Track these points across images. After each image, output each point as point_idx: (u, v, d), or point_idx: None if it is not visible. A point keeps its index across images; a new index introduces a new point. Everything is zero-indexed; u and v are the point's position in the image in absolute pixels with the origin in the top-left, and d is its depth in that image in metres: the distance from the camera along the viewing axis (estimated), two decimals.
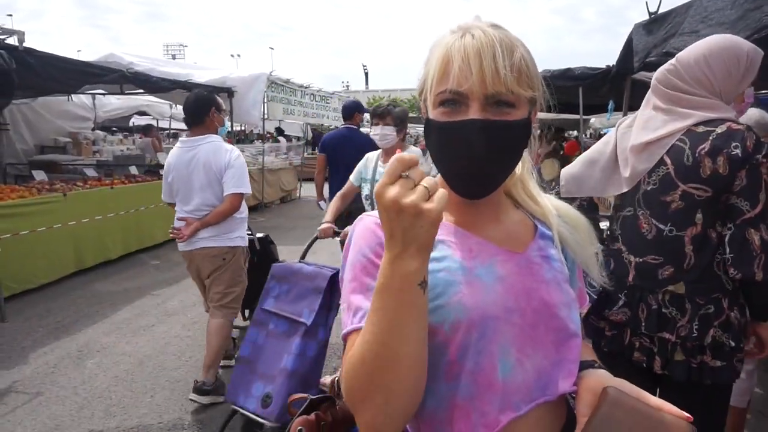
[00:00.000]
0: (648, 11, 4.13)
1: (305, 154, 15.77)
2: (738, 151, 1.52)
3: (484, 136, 0.81)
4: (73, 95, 9.98)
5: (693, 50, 1.68)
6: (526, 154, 0.98)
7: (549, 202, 1.02)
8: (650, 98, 1.77)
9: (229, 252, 3.45)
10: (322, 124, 17.44)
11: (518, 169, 1.02)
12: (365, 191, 3.53)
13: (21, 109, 9.22)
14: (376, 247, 0.86)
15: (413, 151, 3.42)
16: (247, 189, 3.41)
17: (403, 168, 0.66)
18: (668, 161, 1.65)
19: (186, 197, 3.38)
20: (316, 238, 3.19)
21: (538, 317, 0.88)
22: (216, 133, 3.47)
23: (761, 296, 1.61)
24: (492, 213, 0.96)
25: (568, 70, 6.72)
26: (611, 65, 5.66)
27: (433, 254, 0.83)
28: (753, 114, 2.64)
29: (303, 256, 3.04)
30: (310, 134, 20.03)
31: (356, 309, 0.83)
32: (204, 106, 3.35)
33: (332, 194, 4.82)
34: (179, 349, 4.21)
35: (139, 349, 4.21)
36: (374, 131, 3.46)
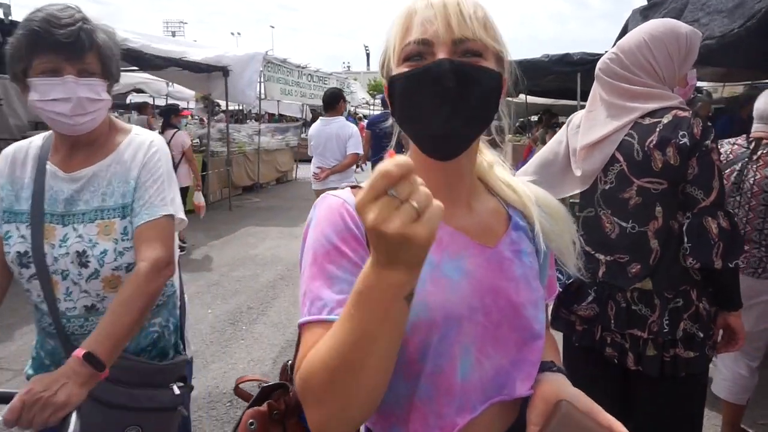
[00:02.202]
0: None
1: (302, 135, 15.66)
2: (686, 140, 1.50)
3: (454, 76, 0.75)
4: None
5: (633, 36, 1.65)
6: (493, 149, 0.94)
7: (528, 189, 0.97)
8: (595, 91, 1.74)
9: None
10: (321, 106, 17.28)
11: (491, 155, 0.98)
12: (14, 245, 1.38)
13: (14, 85, 9.11)
14: (343, 232, 0.80)
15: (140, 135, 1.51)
16: (361, 151, 5.36)
17: (387, 184, 0.55)
18: (620, 158, 1.62)
19: (322, 154, 5.36)
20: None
21: (503, 317, 0.84)
22: (342, 115, 5.45)
23: (726, 285, 1.59)
24: (464, 199, 0.91)
25: (567, 55, 6.67)
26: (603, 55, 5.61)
27: None
28: None
29: None
30: (309, 115, 19.90)
31: (314, 298, 0.76)
32: (336, 97, 5.40)
33: (375, 164, 6.55)
34: None
35: None
36: (49, 94, 1.31)
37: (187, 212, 1.68)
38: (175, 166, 5.90)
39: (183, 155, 6.26)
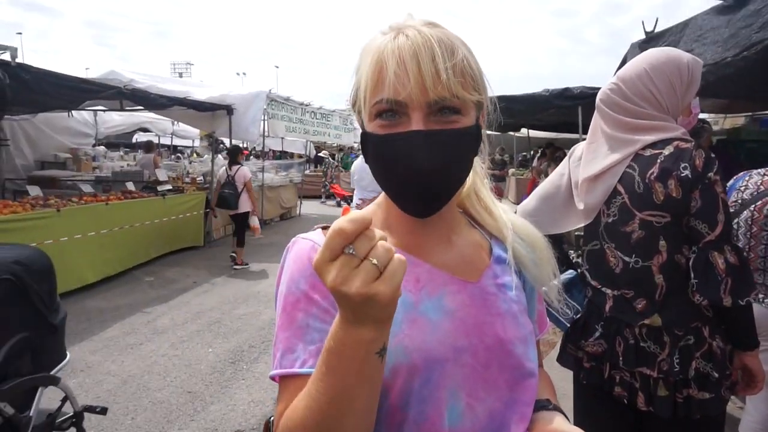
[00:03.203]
0: (644, 30, 4.10)
1: (306, 171, 15.76)
2: (687, 172, 1.46)
3: (429, 149, 0.72)
4: (74, 111, 10.03)
5: (633, 66, 1.63)
6: (478, 161, 0.90)
7: (505, 216, 0.93)
8: (596, 122, 1.71)
9: None
10: (325, 142, 17.50)
11: (470, 179, 0.93)
12: None
13: (22, 125, 9.27)
14: (312, 277, 0.76)
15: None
16: None
17: (343, 242, 0.54)
18: (622, 190, 1.59)
19: (363, 187, 5.96)
20: None
21: (491, 355, 0.79)
22: None
23: (738, 323, 1.51)
24: (443, 233, 0.86)
25: (567, 89, 6.72)
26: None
27: None
28: None
29: None
30: (313, 152, 20.10)
31: (284, 350, 0.74)
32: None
33: None
34: (165, 369, 4.11)
35: (124, 368, 4.11)
36: None
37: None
38: (239, 195, 7.44)
39: (245, 186, 7.61)
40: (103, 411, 2.64)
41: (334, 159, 19.64)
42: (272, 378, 0.75)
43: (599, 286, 1.65)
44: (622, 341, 1.57)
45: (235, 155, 7.89)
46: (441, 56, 0.71)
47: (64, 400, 2.46)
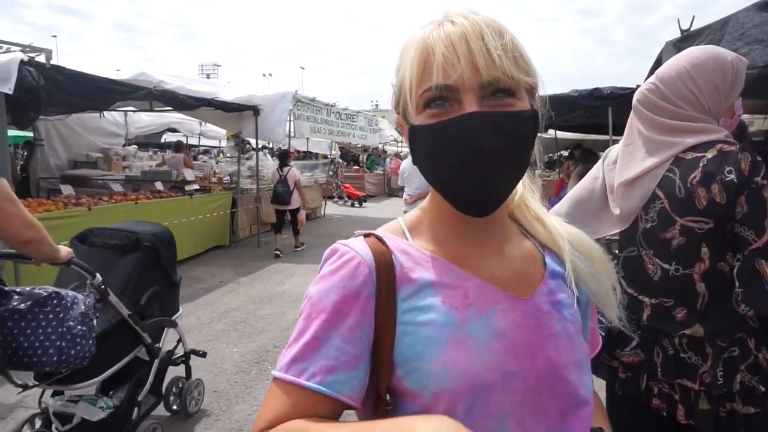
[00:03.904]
0: (680, 29, 3.97)
1: (330, 172, 15.81)
2: (733, 176, 1.38)
3: (487, 130, 0.67)
4: (105, 112, 10.25)
5: (672, 65, 1.55)
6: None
7: (559, 226, 0.87)
8: (632, 123, 1.64)
9: None
10: (350, 143, 17.57)
11: (519, 187, 0.88)
12: None
13: (56, 125, 9.53)
14: (344, 290, 0.72)
15: None
16: None
17: None
18: (661, 195, 1.52)
19: (409, 184, 6.64)
20: None
21: (543, 380, 0.73)
22: None
23: None
24: (495, 243, 0.80)
25: (597, 89, 6.58)
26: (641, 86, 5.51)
27: (417, 302, 0.71)
28: None
29: None
30: (338, 153, 20.15)
31: (296, 355, 0.70)
32: None
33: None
34: (191, 367, 4.13)
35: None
36: None
37: None
38: (291, 192, 8.38)
39: (295, 184, 8.54)
40: (204, 354, 3.47)
41: (358, 161, 19.63)
42: (274, 376, 0.71)
43: (636, 294, 1.59)
44: (660, 352, 1.50)
45: (285, 158, 8.80)
46: (491, 36, 0.68)
47: (178, 342, 3.27)
